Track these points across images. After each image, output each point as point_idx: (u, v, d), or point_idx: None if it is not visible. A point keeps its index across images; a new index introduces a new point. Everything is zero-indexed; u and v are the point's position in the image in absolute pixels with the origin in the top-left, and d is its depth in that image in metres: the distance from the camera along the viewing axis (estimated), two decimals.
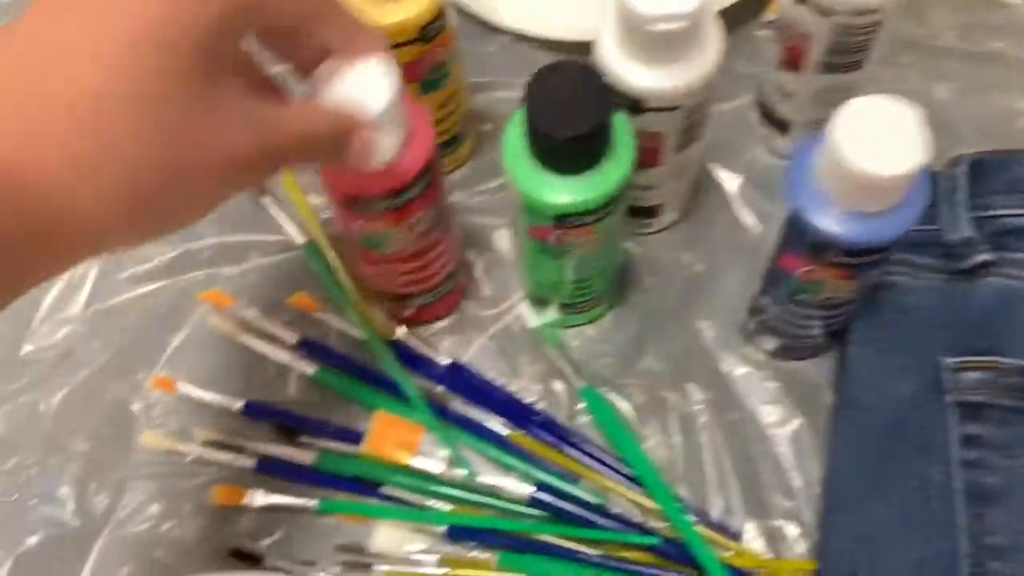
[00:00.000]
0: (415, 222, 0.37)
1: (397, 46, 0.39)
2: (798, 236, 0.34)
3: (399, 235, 0.37)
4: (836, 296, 0.37)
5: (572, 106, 0.33)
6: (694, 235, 0.47)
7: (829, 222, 0.33)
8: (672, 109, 0.37)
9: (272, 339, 0.45)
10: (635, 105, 0.37)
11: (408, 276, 0.41)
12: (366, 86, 0.31)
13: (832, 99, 0.43)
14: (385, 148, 0.32)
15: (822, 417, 0.43)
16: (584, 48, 0.50)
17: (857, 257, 0.34)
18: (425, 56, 0.40)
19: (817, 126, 0.45)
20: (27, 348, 0.46)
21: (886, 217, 0.33)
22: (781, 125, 0.46)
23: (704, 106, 0.39)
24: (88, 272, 0.47)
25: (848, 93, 0.43)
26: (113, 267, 0.47)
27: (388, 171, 0.34)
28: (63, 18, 0.24)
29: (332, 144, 0.30)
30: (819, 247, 0.34)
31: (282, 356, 0.44)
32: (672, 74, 0.36)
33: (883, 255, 0.34)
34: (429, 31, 0.39)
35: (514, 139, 0.35)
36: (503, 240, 0.48)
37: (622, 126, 0.35)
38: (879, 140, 0.31)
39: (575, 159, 0.34)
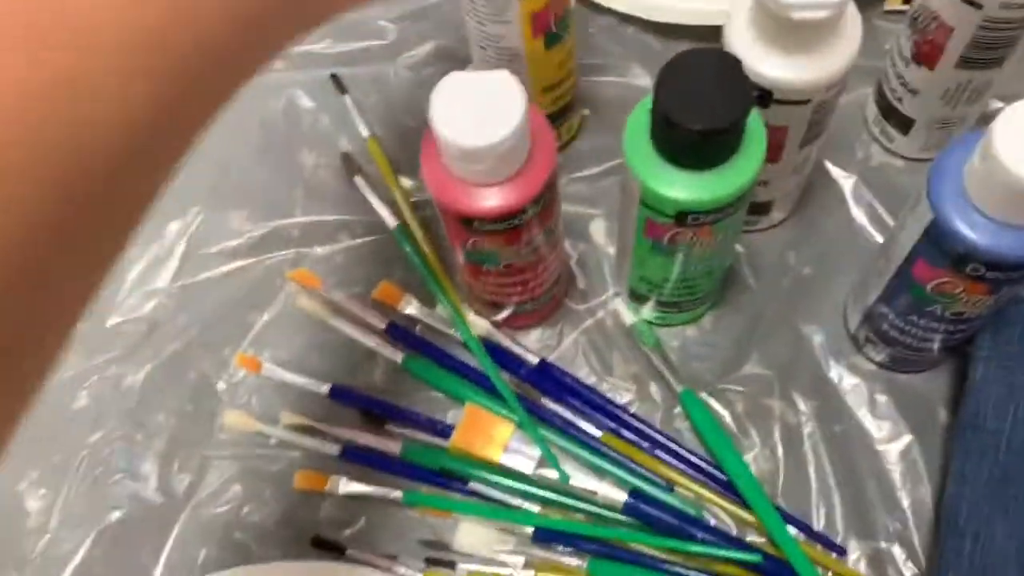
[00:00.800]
0: (530, 239, 0.36)
1: None
2: (938, 244, 0.32)
3: (512, 252, 0.36)
4: (968, 311, 0.35)
5: (707, 97, 0.30)
6: (802, 235, 0.45)
7: (977, 232, 0.31)
8: (803, 103, 0.35)
9: (360, 323, 0.44)
10: (763, 97, 0.35)
11: (511, 288, 0.39)
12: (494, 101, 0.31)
13: (962, 98, 0.41)
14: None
15: (934, 435, 0.40)
16: (695, 32, 0.48)
17: (1002, 272, 0.31)
18: (552, 5, 0.38)
19: (942, 125, 0.43)
20: (114, 319, 0.45)
21: None
22: (903, 123, 0.43)
23: (834, 100, 0.36)
24: (176, 245, 0.46)
25: (980, 92, 0.40)
26: (201, 242, 0.46)
27: (508, 192, 0.33)
28: None
29: None
30: (962, 258, 0.31)
31: (369, 341, 0.43)
32: (808, 65, 0.34)
33: None
34: None
35: (637, 127, 0.33)
36: (599, 231, 0.46)
37: (755, 120, 0.33)
38: None
39: (705, 154, 0.32)
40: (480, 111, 0.31)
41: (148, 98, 0.19)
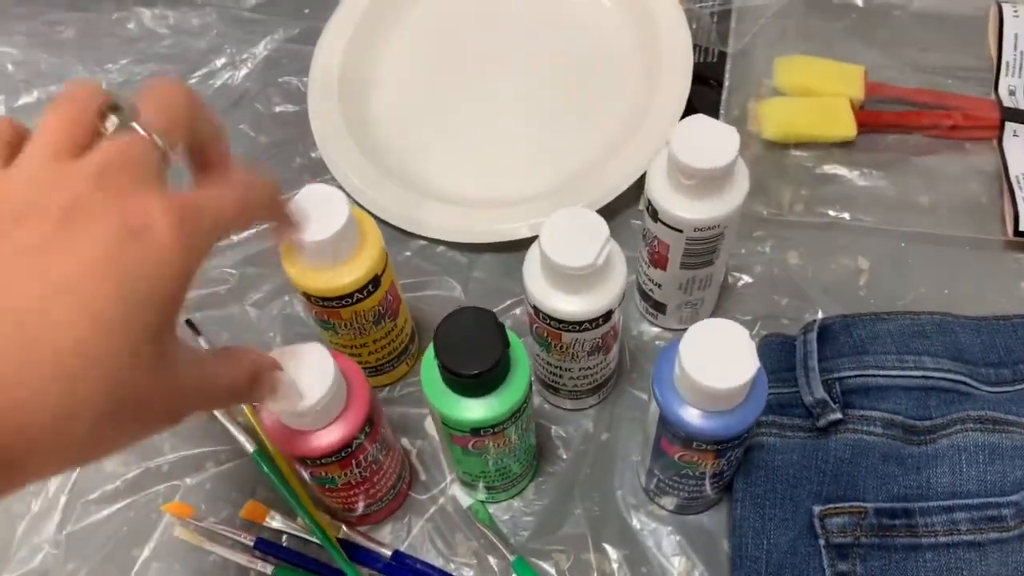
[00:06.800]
0: (360, 462, 0.43)
1: (353, 301, 0.46)
2: (668, 428, 0.41)
3: (347, 473, 0.44)
4: (710, 469, 0.44)
5: (474, 346, 0.39)
6: (598, 409, 0.54)
7: (690, 419, 0.40)
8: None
9: (232, 541, 0.50)
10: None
11: (356, 498, 0.47)
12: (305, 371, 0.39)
13: (694, 287, 0.51)
14: (301, 398, 0.39)
15: (721, 565, 0.49)
16: (491, 246, 0.58)
17: (718, 444, 0.41)
18: (382, 300, 0.48)
19: (687, 306, 0.53)
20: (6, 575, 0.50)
21: (735, 413, 0.40)
22: (658, 306, 0.54)
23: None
24: (58, 498, 0.52)
25: (708, 280, 0.51)
26: (81, 491, 0.52)
27: (329, 434, 0.41)
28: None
29: (247, 386, 0.36)
30: (685, 438, 0.41)
31: (240, 559, 0.50)
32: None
33: (741, 440, 0.42)
34: (378, 281, 0.46)
35: (429, 369, 0.42)
36: (432, 427, 0.54)
37: (519, 349, 0.42)
38: (717, 356, 0.38)
39: (480, 387, 0.40)
40: (303, 382, 0.39)
41: None
